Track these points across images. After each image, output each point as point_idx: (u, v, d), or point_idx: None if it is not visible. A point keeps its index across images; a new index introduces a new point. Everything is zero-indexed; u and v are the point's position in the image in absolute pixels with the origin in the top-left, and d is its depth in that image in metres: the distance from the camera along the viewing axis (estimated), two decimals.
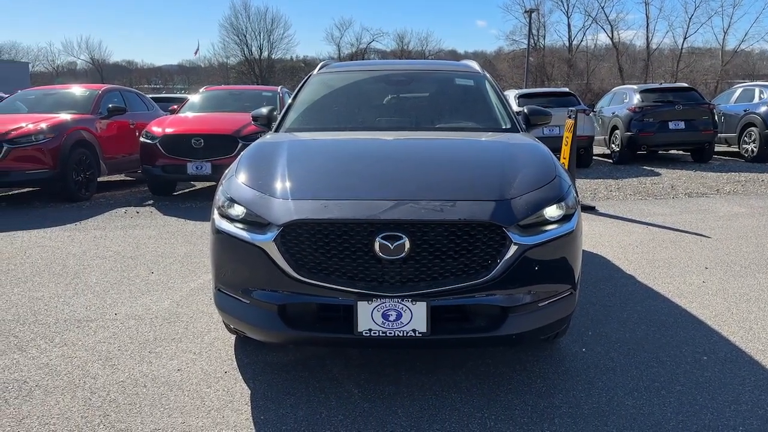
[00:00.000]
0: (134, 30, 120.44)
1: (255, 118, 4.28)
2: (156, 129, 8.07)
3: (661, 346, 3.34)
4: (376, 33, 78.79)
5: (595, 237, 5.96)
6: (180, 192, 9.23)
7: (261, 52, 65.83)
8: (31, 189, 9.04)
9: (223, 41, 68.25)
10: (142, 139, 8.13)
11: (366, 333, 2.57)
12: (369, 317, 2.56)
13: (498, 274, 2.58)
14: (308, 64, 66.48)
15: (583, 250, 5.08)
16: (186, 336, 3.51)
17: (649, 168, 12.10)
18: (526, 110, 4.18)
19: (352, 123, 3.95)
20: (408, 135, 3.64)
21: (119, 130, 9.06)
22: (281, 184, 2.81)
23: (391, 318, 2.56)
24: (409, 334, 2.57)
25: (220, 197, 2.91)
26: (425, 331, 2.57)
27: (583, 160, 12.49)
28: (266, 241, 2.61)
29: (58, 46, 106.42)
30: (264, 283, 2.67)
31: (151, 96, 12.44)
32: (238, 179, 2.97)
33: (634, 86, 14.16)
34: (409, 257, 2.55)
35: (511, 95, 13.06)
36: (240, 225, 2.73)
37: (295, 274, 2.58)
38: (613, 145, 13.39)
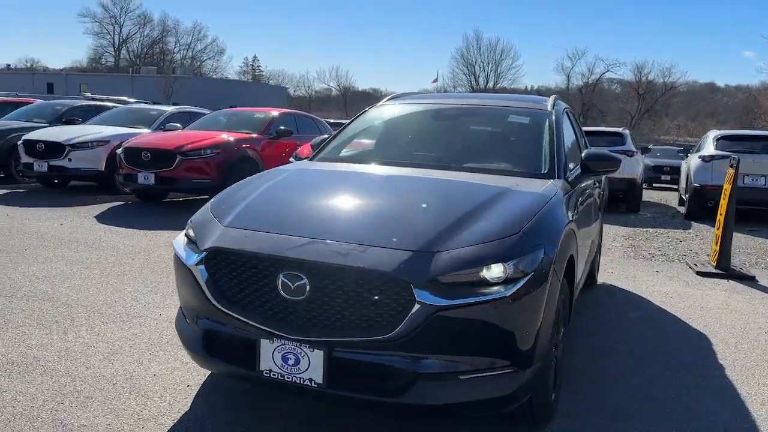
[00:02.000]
0: (380, 60, 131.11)
1: (313, 147, 4.41)
2: (304, 151, 8.69)
3: None
4: (611, 63, 74.48)
5: (722, 314, 4.92)
6: None
7: (487, 83, 66.87)
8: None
9: (452, 72, 70.75)
10: (291, 159, 8.81)
11: (266, 373, 2.50)
12: (270, 357, 2.48)
13: (403, 333, 2.31)
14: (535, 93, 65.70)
15: (691, 328, 4.29)
16: None
17: None
18: (583, 155, 3.69)
19: (383, 157, 3.82)
20: (418, 173, 3.43)
21: (284, 150, 9.92)
22: (234, 211, 2.86)
23: (290, 362, 2.45)
24: (305, 383, 2.43)
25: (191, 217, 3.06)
26: (321, 382, 2.41)
27: None
28: (192, 264, 2.68)
29: (313, 74, 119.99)
30: (194, 305, 2.74)
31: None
32: (211, 201, 3.10)
33: None
34: (310, 300, 2.42)
35: (711, 136, 11.42)
36: (189, 246, 2.83)
37: (213, 301, 2.60)
38: None
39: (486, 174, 3.42)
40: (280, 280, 2.44)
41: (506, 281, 2.40)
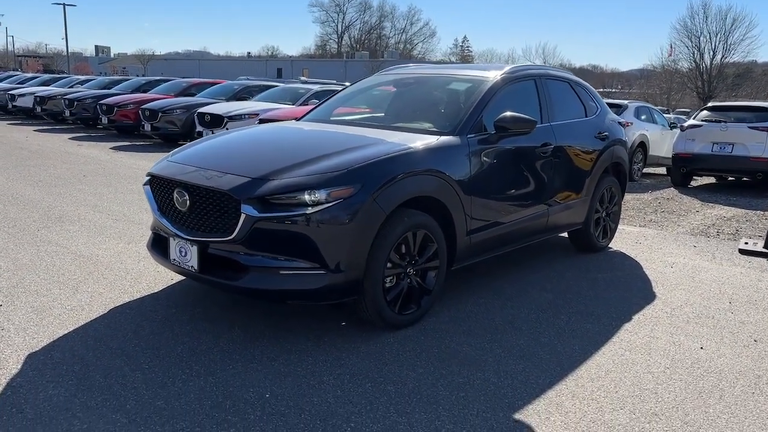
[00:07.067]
0: (594, 36, 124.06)
1: None
2: None
3: None
4: None
5: (703, 284, 4.85)
6: None
7: (713, 56, 59.58)
8: None
9: (673, 45, 64.01)
10: None
11: (174, 261, 3.61)
12: (175, 250, 3.58)
13: (238, 236, 3.25)
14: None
15: (652, 289, 4.49)
16: None
17: None
18: (496, 118, 4.12)
19: (339, 117, 4.69)
20: (340, 129, 4.29)
21: None
22: (183, 149, 4.01)
23: (183, 254, 3.53)
24: (190, 268, 3.49)
25: None
26: (197, 268, 3.44)
27: None
28: (144, 185, 3.88)
29: (519, 53, 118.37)
30: (152, 217, 3.94)
31: None
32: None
33: None
34: (191, 210, 3.45)
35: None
36: None
37: (155, 211, 3.77)
38: None
39: (398, 131, 4.10)
40: (174, 196, 3.51)
41: (316, 204, 3.19)
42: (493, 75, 4.51)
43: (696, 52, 60.96)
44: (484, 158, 4.05)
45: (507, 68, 4.66)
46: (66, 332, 3.46)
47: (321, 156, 3.49)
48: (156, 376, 2.98)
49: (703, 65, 59.71)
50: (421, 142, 3.78)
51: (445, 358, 3.30)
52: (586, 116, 5.35)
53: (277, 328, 3.59)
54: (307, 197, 3.19)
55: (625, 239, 6.26)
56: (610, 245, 5.87)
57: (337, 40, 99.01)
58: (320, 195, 3.19)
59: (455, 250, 3.92)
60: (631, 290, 4.62)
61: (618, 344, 3.60)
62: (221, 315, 3.75)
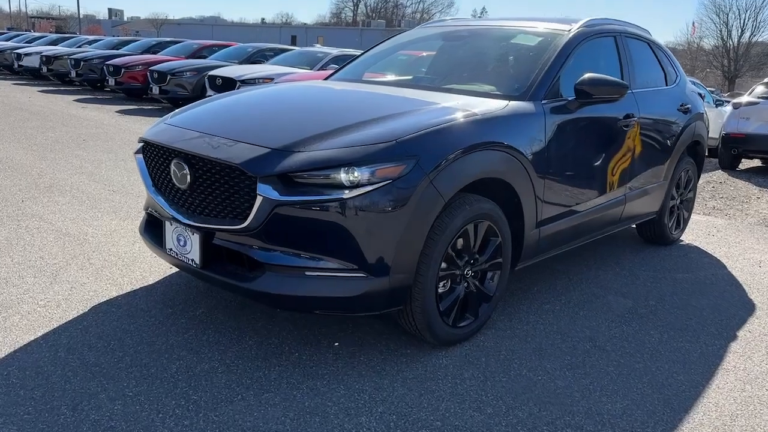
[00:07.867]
0: (620, 10, 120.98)
1: None
2: None
3: None
4: None
5: None
6: None
7: (742, 33, 57.30)
8: None
9: (700, 21, 61.75)
10: None
11: (170, 251, 2.84)
12: (172, 237, 2.82)
13: (253, 225, 2.47)
14: None
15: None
16: None
17: None
18: (577, 80, 3.30)
19: (375, 76, 3.86)
20: (378, 89, 3.47)
21: None
22: (183, 111, 3.21)
23: (181, 243, 2.76)
24: (190, 262, 2.73)
25: None
26: (198, 263, 2.68)
27: None
28: (134, 153, 3.10)
29: None
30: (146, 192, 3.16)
31: None
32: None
33: None
34: (192, 188, 2.67)
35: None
36: None
37: (149, 187, 2.99)
38: None
39: (452, 93, 3.29)
40: (172, 169, 2.73)
41: (355, 185, 2.39)
42: (569, 28, 3.65)
43: (724, 29, 58.68)
44: (561, 130, 3.22)
45: (583, 21, 3.79)
46: (33, 338, 2.72)
47: (361, 122, 2.68)
48: (141, 410, 2.24)
49: (731, 43, 57.58)
50: (486, 107, 2.96)
51: (519, 391, 2.53)
52: (666, 84, 4.49)
53: (300, 339, 2.83)
54: (343, 176, 2.39)
55: (695, 230, 5.43)
56: (681, 237, 5.05)
57: (352, 8, 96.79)
58: (361, 174, 2.39)
59: (521, 245, 3.13)
60: (723, 296, 3.82)
61: (732, 374, 2.82)
62: (230, 320, 3.00)
